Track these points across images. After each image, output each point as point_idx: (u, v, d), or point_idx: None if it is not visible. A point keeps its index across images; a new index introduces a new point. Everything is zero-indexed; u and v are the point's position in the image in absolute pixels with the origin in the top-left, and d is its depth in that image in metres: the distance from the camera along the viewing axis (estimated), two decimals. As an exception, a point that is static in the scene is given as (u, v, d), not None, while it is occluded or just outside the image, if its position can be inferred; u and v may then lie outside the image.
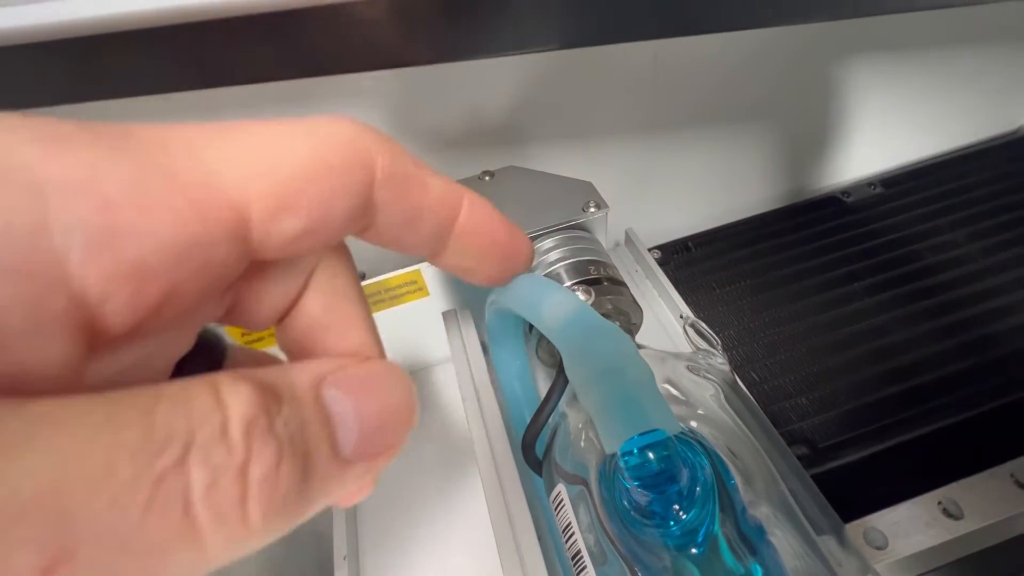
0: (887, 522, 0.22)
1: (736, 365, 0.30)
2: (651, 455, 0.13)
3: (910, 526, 0.22)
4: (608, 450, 0.13)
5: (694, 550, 0.14)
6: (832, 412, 0.28)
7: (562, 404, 0.19)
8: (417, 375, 0.28)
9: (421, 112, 0.29)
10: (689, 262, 0.37)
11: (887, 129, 0.40)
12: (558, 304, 0.15)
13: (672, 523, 0.14)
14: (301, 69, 0.16)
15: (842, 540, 0.15)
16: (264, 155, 0.08)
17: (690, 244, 0.38)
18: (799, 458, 0.23)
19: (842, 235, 0.37)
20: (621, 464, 0.14)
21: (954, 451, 0.25)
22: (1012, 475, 0.23)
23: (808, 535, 0.15)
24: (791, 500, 0.16)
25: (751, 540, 0.15)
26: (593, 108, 0.32)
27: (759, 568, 0.15)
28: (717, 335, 0.21)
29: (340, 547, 0.22)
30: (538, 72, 0.30)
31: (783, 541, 0.15)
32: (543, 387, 0.24)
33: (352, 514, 0.23)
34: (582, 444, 0.18)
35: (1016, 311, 0.30)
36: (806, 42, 0.33)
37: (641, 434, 0.13)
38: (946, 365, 0.28)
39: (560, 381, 0.19)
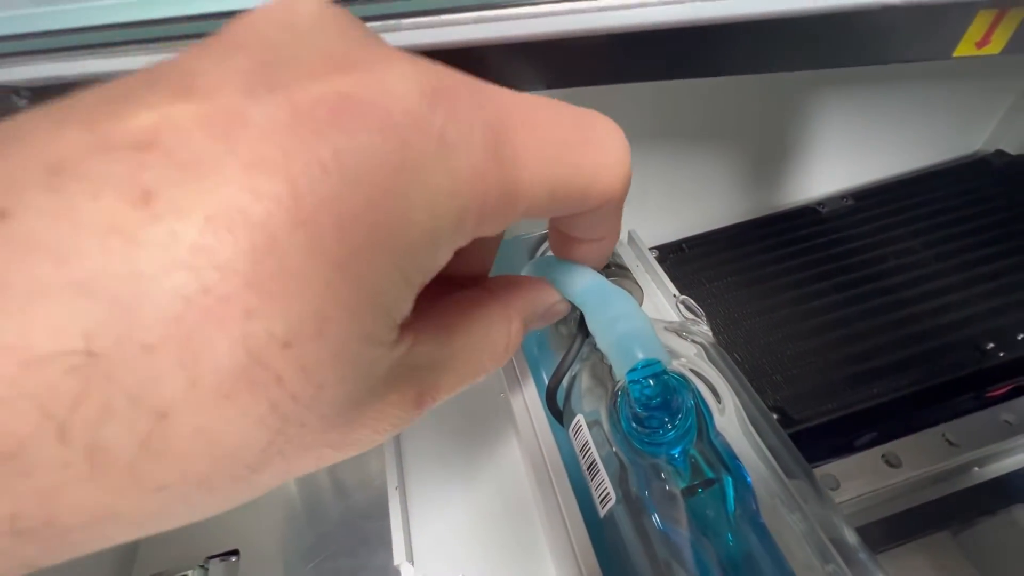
0: (839, 469, 0.27)
1: (723, 347, 0.35)
2: (650, 380, 0.18)
3: (858, 473, 0.27)
4: (619, 376, 0.18)
5: (678, 459, 0.19)
6: (801, 387, 0.33)
7: (577, 362, 0.24)
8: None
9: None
10: (683, 261, 0.42)
11: (859, 148, 0.45)
12: (580, 275, 0.20)
13: (662, 434, 0.18)
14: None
15: (804, 471, 0.20)
16: (554, 166, 0.11)
17: (684, 246, 0.43)
18: (770, 418, 0.28)
19: (816, 241, 0.42)
20: (627, 386, 0.18)
21: (899, 418, 0.30)
22: (943, 435, 0.28)
23: (766, 457, 0.20)
24: (758, 439, 0.21)
25: (723, 459, 0.20)
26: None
27: (730, 479, 0.20)
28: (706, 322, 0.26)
29: (392, 479, 0.26)
30: (556, 92, 0.35)
31: (748, 462, 0.20)
32: (556, 352, 0.29)
33: (399, 453, 0.28)
34: (594, 393, 0.23)
35: (955, 309, 0.35)
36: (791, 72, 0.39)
37: (644, 365, 0.18)
38: (896, 351, 0.33)
39: (577, 341, 0.24)
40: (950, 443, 0.28)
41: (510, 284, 0.16)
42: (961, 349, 0.33)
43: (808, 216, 0.44)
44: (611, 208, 0.13)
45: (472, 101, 0.10)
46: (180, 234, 0.07)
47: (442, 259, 0.10)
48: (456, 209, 0.10)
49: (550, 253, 0.27)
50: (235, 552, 0.31)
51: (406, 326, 0.10)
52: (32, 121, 0.08)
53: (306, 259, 0.08)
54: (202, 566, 0.30)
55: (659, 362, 0.17)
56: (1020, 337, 0.33)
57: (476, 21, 0.16)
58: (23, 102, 0.21)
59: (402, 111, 0.09)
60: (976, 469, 0.28)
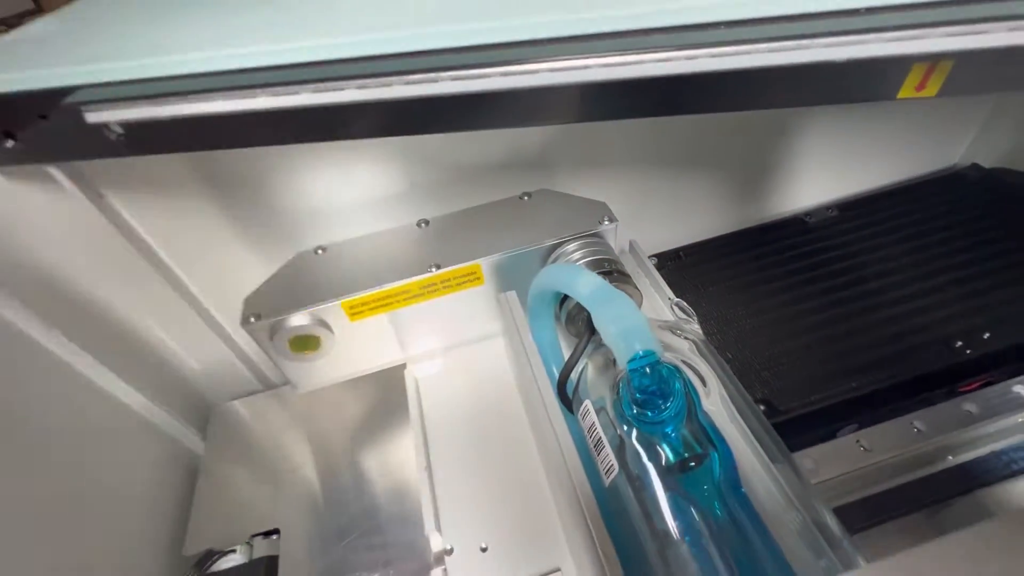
0: (818, 453, 0.30)
1: (716, 346, 0.39)
2: (647, 369, 0.21)
3: (835, 456, 0.30)
4: (621, 365, 0.21)
5: (672, 436, 0.23)
6: (787, 381, 0.36)
7: (584, 358, 0.28)
8: (470, 346, 0.36)
9: (477, 145, 0.37)
10: (680, 268, 0.45)
11: (844, 162, 0.49)
12: (588, 280, 0.24)
13: (657, 414, 0.22)
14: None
15: (784, 454, 0.23)
16: None
17: (681, 253, 0.46)
18: (757, 409, 0.31)
19: (803, 249, 0.45)
20: (628, 374, 0.22)
21: (873, 408, 0.33)
22: (912, 424, 0.31)
23: (750, 440, 0.23)
24: (743, 423, 0.24)
25: (710, 436, 0.23)
26: (606, 145, 0.41)
27: (716, 454, 0.23)
28: (701, 325, 0.30)
29: (421, 461, 0.30)
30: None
31: (734, 444, 0.23)
32: (565, 349, 0.33)
33: (425, 439, 0.31)
34: (598, 383, 0.26)
35: (929, 311, 0.38)
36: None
37: (642, 355, 0.21)
38: (873, 349, 0.36)
39: (584, 339, 0.27)
40: (918, 431, 0.31)
41: None
42: (933, 347, 0.36)
43: (796, 226, 0.47)
44: None
45: None
46: None
47: None
48: None
49: (560, 262, 0.30)
50: (276, 531, 0.34)
51: None
52: None
53: None
54: (247, 543, 0.33)
55: (654, 353, 0.21)
56: (987, 336, 0.36)
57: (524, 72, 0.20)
58: (114, 136, 0.24)
59: None
60: (950, 458, 0.31)
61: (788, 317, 0.40)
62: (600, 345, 0.28)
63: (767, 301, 0.41)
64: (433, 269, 0.31)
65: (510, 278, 0.33)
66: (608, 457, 0.23)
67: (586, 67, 0.20)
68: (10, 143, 0.25)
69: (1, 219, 0.27)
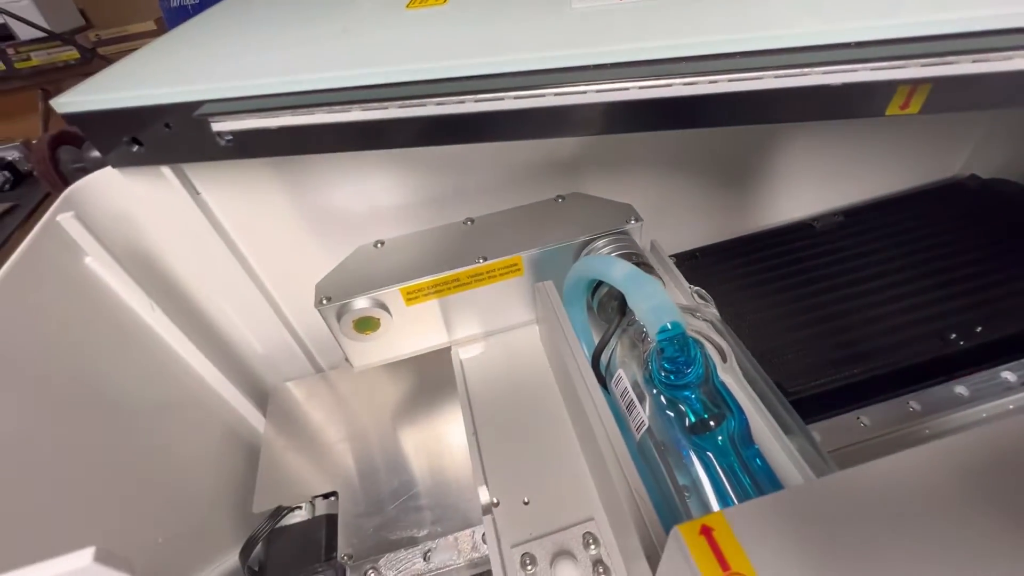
0: (822, 427, 0.34)
1: (729, 338, 0.43)
2: (674, 339, 0.25)
3: (837, 430, 0.34)
4: (652, 335, 0.25)
5: (693, 398, 0.27)
6: (795, 367, 0.39)
7: (616, 336, 0.32)
8: (508, 332, 0.41)
9: (515, 153, 0.42)
10: (696, 267, 0.49)
11: (849, 172, 0.52)
12: (622, 267, 0.28)
13: (682, 378, 0.26)
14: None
15: (800, 426, 0.27)
16: None
17: (697, 254, 0.50)
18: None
19: (811, 251, 0.49)
20: (657, 344, 0.26)
21: (873, 391, 0.37)
22: (908, 403, 0.35)
23: (759, 403, 0.27)
24: (753, 391, 0.28)
25: (726, 400, 0.27)
26: (631, 155, 0.45)
27: (732, 419, 0.27)
28: (714, 305, 0.34)
29: (469, 427, 0.34)
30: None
31: (746, 407, 0.27)
32: (595, 332, 0.37)
33: (471, 411, 0.35)
34: (627, 358, 0.30)
35: (926, 307, 0.42)
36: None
37: (670, 327, 0.25)
38: (874, 339, 0.40)
39: (615, 322, 0.31)
40: (913, 409, 0.35)
41: None
42: (929, 339, 0.39)
43: (804, 231, 0.51)
44: None
45: None
46: None
47: None
48: None
49: (605, 251, 0.35)
50: (333, 493, 0.38)
51: None
52: None
53: None
54: (310, 502, 0.38)
55: (680, 325, 0.25)
56: (979, 329, 0.39)
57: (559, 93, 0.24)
58: (224, 142, 0.29)
59: None
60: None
61: (796, 312, 0.44)
62: (627, 328, 0.32)
63: (777, 297, 0.45)
64: (480, 260, 0.36)
65: (546, 270, 0.37)
66: (639, 415, 0.27)
67: (626, 89, 0.24)
68: (136, 148, 0.30)
69: (122, 210, 0.32)
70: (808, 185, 0.51)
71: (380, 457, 0.40)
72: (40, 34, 1.15)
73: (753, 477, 0.26)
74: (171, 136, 0.29)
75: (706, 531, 0.15)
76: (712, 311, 0.30)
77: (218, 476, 0.41)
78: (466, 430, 0.34)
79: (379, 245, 0.39)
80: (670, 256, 0.49)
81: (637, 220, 0.37)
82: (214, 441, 0.41)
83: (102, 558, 0.14)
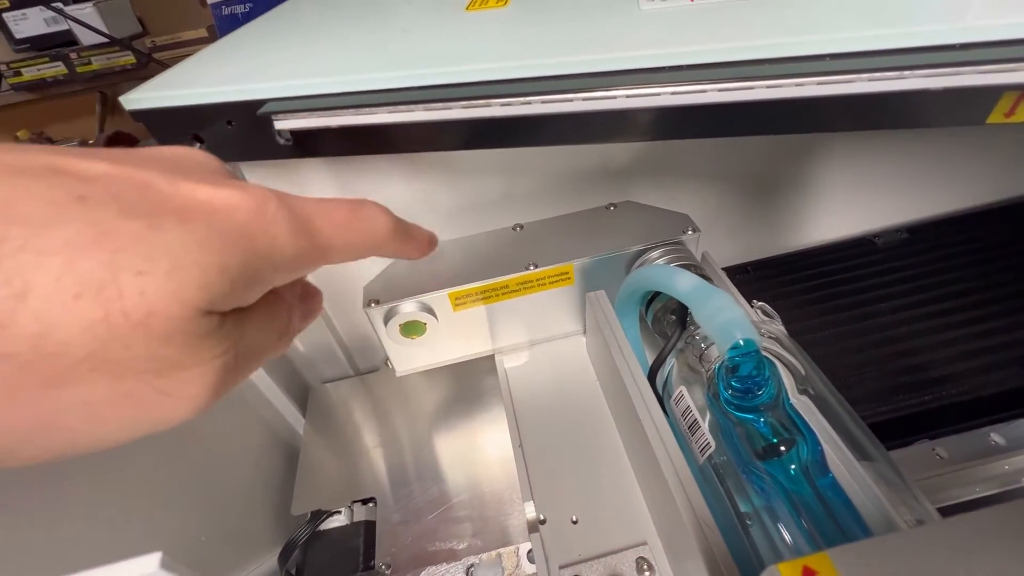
0: (895, 457, 0.31)
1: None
2: (746, 355, 0.24)
3: (911, 461, 0.31)
4: (721, 350, 0.24)
5: (762, 422, 0.25)
6: (857, 392, 0.37)
7: (673, 353, 0.30)
8: (553, 342, 0.40)
9: (569, 156, 0.41)
10: (747, 281, 0.47)
11: (915, 186, 0.50)
12: (687, 278, 0.26)
13: (752, 398, 0.24)
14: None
15: (881, 454, 0.25)
16: (343, 234, 0.17)
17: (748, 268, 0.48)
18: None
19: (872, 268, 0.46)
20: (728, 362, 0.24)
21: (946, 420, 0.34)
22: (990, 436, 0.32)
23: (834, 428, 0.25)
24: (822, 418, 0.26)
25: (798, 424, 0.25)
26: (683, 161, 0.44)
27: (804, 445, 0.25)
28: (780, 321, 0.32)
29: (515, 439, 0.33)
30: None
31: (820, 431, 0.25)
32: (648, 347, 0.35)
33: (516, 423, 0.34)
34: (683, 375, 0.29)
35: (1004, 332, 0.39)
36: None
37: (743, 344, 0.24)
38: (946, 365, 0.37)
39: (675, 335, 0.30)
40: (995, 443, 0.32)
41: (296, 288, 0.19)
42: (1009, 366, 0.37)
43: (864, 246, 0.49)
44: (388, 246, 0.19)
45: (287, 205, 0.15)
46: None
47: (261, 289, 0.15)
48: (269, 267, 0.15)
49: (653, 263, 0.33)
50: (372, 499, 0.38)
51: (226, 314, 0.14)
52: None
53: (185, 239, 0.12)
54: (349, 507, 0.37)
55: (754, 342, 0.23)
56: (1066, 359, 0.36)
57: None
58: (283, 140, 0.29)
59: (247, 210, 0.14)
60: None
61: (858, 332, 0.41)
62: (686, 344, 0.31)
63: (835, 316, 0.43)
64: (531, 267, 0.35)
65: (596, 280, 0.36)
66: (704, 436, 0.25)
67: (703, 91, 0.23)
68: (198, 145, 0.31)
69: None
70: (869, 198, 0.49)
71: (418, 465, 0.39)
72: (100, 40, 1.21)
73: (828, 509, 0.24)
74: (233, 134, 0.29)
75: (808, 573, 0.14)
76: (779, 328, 0.28)
77: (256, 475, 0.41)
78: (512, 442, 0.33)
79: (427, 249, 0.38)
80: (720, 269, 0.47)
81: (694, 231, 0.36)
82: (253, 439, 0.41)
83: (168, 565, 0.13)
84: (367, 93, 0.28)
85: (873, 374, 0.38)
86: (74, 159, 0.13)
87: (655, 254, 0.35)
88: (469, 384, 0.44)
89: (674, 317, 0.32)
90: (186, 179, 0.14)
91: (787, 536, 0.23)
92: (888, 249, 0.48)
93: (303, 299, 0.20)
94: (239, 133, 0.29)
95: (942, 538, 0.14)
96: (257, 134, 0.29)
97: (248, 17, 1.39)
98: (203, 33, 1.36)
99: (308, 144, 0.29)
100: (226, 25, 1.32)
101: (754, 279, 0.47)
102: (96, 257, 0.11)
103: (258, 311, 0.16)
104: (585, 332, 0.39)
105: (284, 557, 0.34)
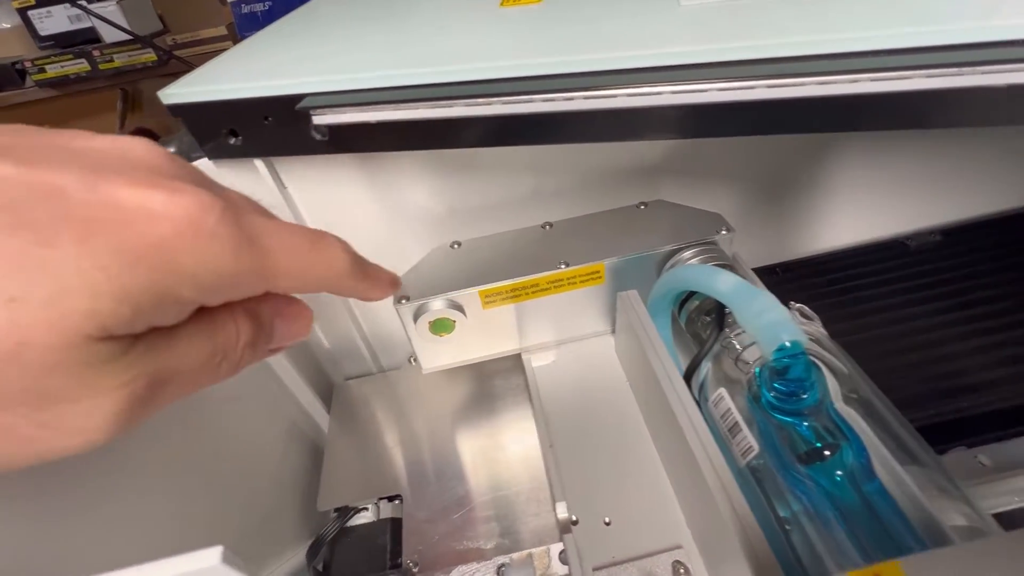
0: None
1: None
2: (793, 356, 0.23)
3: (953, 469, 0.30)
4: (767, 350, 0.23)
5: (806, 426, 0.24)
6: (893, 397, 0.36)
7: (708, 357, 0.30)
8: (580, 341, 0.39)
9: (598, 154, 0.40)
10: (776, 283, 0.47)
11: (948, 188, 0.49)
12: (727, 278, 0.26)
13: (796, 401, 0.24)
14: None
15: (933, 458, 0.24)
16: (297, 265, 0.15)
17: (777, 269, 0.47)
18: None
19: (905, 271, 0.45)
20: (772, 364, 0.24)
21: (986, 427, 0.34)
22: (1034, 445, 0.31)
23: (880, 432, 0.25)
24: (862, 422, 0.26)
25: (841, 428, 0.25)
26: (713, 160, 0.43)
27: (849, 449, 0.25)
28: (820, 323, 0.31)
29: (544, 439, 0.32)
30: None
31: (866, 435, 0.25)
32: (680, 351, 0.35)
33: (546, 423, 0.34)
34: (718, 377, 0.28)
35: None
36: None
37: (789, 346, 0.23)
38: (984, 371, 0.36)
39: (713, 336, 0.29)
40: (1040, 453, 0.31)
41: (260, 298, 0.17)
42: (1050, 374, 0.36)
43: (895, 249, 0.48)
44: (344, 283, 0.18)
45: (234, 218, 0.14)
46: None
47: (181, 308, 0.14)
48: (190, 286, 0.13)
49: (686, 264, 0.33)
50: (398, 496, 0.37)
51: (139, 336, 0.13)
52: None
53: (79, 259, 0.11)
54: (375, 504, 0.37)
55: (800, 344, 0.23)
56: (1111, 366, 0.35)
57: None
58: (319, 136, 0.29)
59: (175, 219, 0.13)
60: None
61: (892, 336, 0.40)
62: (724, 344, 0.30)
63: (869, 319, 0.42)
64: (562, 266, 0.34)
65: (626, 279, 0.36)
66: (746, 439, 0.25)
67: (752, 88, 0.22)
68: (233, 140, 0.31)
69: (215, 202, 0.33)
70: (901, 200, 0.48)
71: (443, 463, 0.39)
72: (122, 38, 1.22)
73: (876, 515, 0.23)
74: (269, 129, 0.29)
75: (879, 582, 0.13)
76: (819, 329, 0.28)
77: (281, 470, 0.41)
78: (541, 442, 0.33)
79: (455, 246, 0.38)
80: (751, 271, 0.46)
81: (728, 231, 0.35)
82: (280, 434, 0.42)
83: (229, 560, 0.13)
84: (406, 88, 0.27)
85: (907, 379, 0.37)
86: None
87: (688, 254, 0.35)
88: (491, 383, 0.44)
89: (708, 318, 0.32)
90: (110, 181, 0.13)
91: (830, 542, 0.23)
92: (921, 252, 0.47)
93: (280, 318, 0.18)
94: (275, 128, 0.29)
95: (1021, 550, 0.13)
96: (293, 129, 0.29)
97: (267, 15, 1.40)
98: (223, 31, 1.38)
99: (344, 140, 0.29)
100: (245, 23, 1.33)
101: (783, 281, 0.47)
102: None
103: (187, 330, 0.15)
104: (614, 332, 0.38)
105: (313, 553, 0.34)
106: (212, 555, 0.13)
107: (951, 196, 0.48)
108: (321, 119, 0.27)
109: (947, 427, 0.34)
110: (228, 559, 0.13)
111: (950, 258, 0.46)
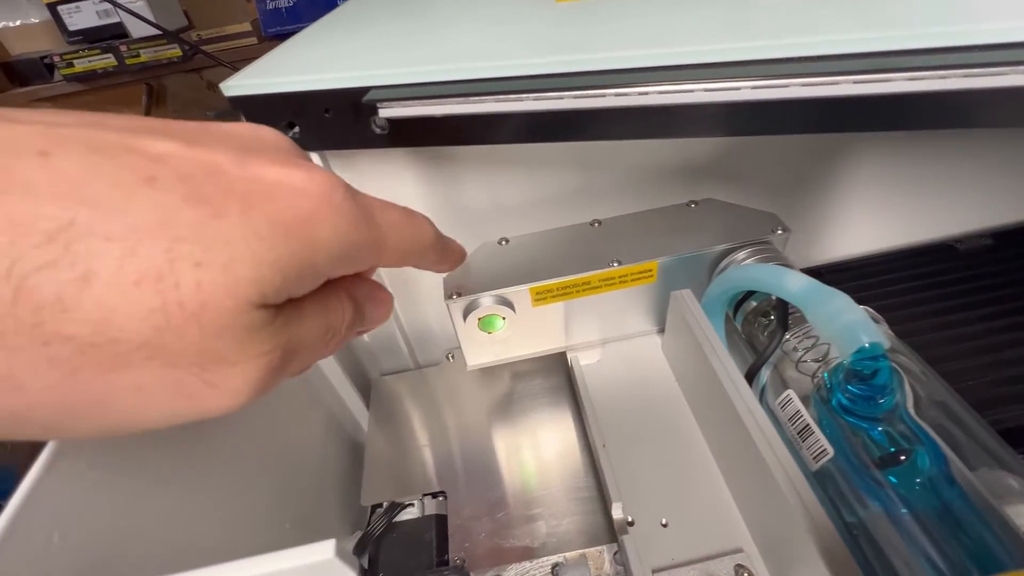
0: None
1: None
2: (874, 359, 0.23)
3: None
4: (845, 352, 0.23)
5: (881, 430, 0.24)
6: (950, 403, 0.36)
7: (771, 360, 0.29)
8: (627, 340, 0.39)
9: (646, 151, 0.40)
10: (821, 285, 0.46)
11: (999, 191, 0.47)
12: (798, 278, 0.26)
13: (873, 406, 0.23)
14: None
15: (1017, 461, 0.23)
16: (400, 232, 0.17)
17: (822, 271, 0.47)
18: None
19: (955, 275, 0.45)
20: (851, 366, 0.23)
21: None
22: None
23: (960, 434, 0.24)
24: (928, 430, 0.25)
25: (917, 432, 0.24)
26: (760, 160, 0.42)
27: (924, 454, 0.24)
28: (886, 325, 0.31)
29: (598, 438, 0.32)
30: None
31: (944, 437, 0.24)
32: (732, 351, 0.34)
33: (598, 422, 0.33)
34: (779, 379, 0.28)
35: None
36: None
37: (868, 348, 0.23)
38: (1047, 377, 0.36)
39: (777, 337, 0.29)
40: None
41: (356, 280, 0.19)
42: (1114, 382, 0.35)
43: (945, 252, 0.47)
44: (429, 255, 0.20)
45: (353, 194, 0.15)
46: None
47: (315, 280, 0.15)
48: (325, 257, 0.14)
49: (747, 264, 0.32)
50: (443, 493, 0.37)
51: (280, 307, 0.14)
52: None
53: (244, 231, 0.12)
54: (420, 500, 0.37)
55: (881, 345, 0.22)
56: None
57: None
58: (379, 130, 0.29)
59: (313, 195, 0.14)
60: None
61: (945, 340, 0.40)
62: (782, 347, 0.30)
63: (920, 323, 0.41)
64: (614, 264, 0.34)
65: (677, 278, 0.35)
66: (818, 442, 0.24)
67: (836, 83, 0.22)
68: (291, 132, 0.31)
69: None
70: (951, 201, 0.47)
71: (482, 460, 0.39)
72: (150, 32, 1.24)
73: (958, 521, 0.23)
74: (329, 122, 0.29)
75: (1010, 592, 0.13)
76: (887, 331, 0.27)
77: (323, 464, 0.41)
78: (592, 442, 0.32)
79: (503, 243, 0.38)
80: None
81: (784, 231, 0.34)
82: (322, 428, 0.42)
83: (342, 553, 0.13)
84: (469, 82, 0.27)
85: (965, 387, 0.36)
86: (146, 138, 0.13)
87: (742, 254, 0.34)
88: (526, 382, 0.44)
89: (768, 319, 0.31)
90: (256, 160, 0.14)
91: (903, 550, 0.22)
92: (970, 255, 0.46)
93: (371, 301, 0.19)
94: (335, 121, 0.29)
95: None
96: (353, 122, 0.29)
97: (292, 11, 1.41)
98: (247, 27, 1.39)
99: (403, 134, 0.29)
100: (270, 19, 1.34)
101: (828, 283, 0.46)
102: (157, 245, 0.11)
103: (310, 306, 0.16)
104: (663, 331, 0.38)
105: (360, 548, 0.34)
106: (326, 548, 0.13)
107: (1004, 198, 0.47)
108: (387, 112, 0.27)
109: (1012, 434, 0.34)
110: (341, 553, 0.13)
111: (1001, 262, 0.45)
